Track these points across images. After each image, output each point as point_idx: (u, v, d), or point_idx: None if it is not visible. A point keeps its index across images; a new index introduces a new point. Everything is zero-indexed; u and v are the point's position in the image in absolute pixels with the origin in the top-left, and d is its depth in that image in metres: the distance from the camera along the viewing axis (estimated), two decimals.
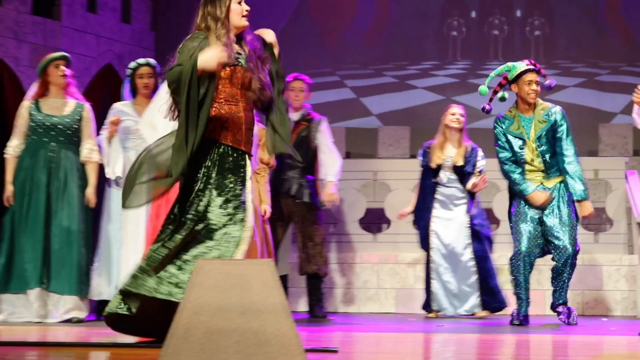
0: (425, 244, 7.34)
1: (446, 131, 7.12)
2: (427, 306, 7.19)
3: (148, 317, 4.40)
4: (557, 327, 6.12)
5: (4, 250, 6.43)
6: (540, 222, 6.25)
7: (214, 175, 4.37)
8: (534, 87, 6.22)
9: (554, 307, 6.27)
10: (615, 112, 9.73)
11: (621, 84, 9.28)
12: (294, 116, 7.17)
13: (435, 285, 7.15)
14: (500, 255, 8.02)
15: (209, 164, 4.36)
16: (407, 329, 6.09)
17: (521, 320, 6.18)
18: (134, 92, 6.69)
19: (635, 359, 4.21)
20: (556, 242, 6.20)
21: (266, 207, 6.63)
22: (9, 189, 6.40)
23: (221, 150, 4.33)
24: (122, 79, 8.11)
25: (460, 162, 7.19)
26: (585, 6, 10.60)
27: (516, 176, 6.29)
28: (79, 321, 6.22)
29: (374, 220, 9.16)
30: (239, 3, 4.51)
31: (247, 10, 4.59)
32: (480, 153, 7.30)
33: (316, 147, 7.24)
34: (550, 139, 6.23)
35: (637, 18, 10.59)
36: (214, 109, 4.38)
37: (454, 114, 7.17)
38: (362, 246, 8.65)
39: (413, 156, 8.81)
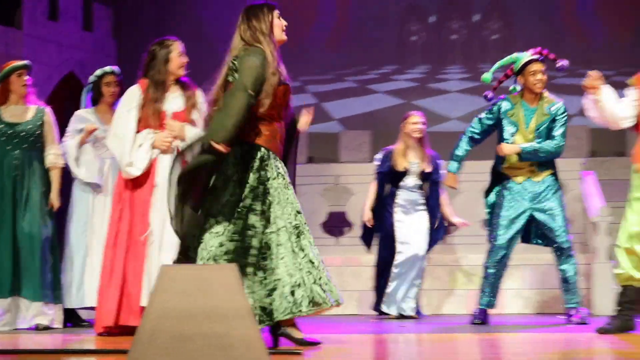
0: (386, 246, 7.38)
1: (407, 140, 7.12)
2: (377, 307, 7.28)
3: None
4: (517, 327, 6.11)
5: None
6: (531, 216, 6.26)
7: (273, 181, 4.53)
8: (539, 76, 6.19)
9: (566, 310, 6.28)
10: (571, 114, 9.59)
11: (577, 87, 8.84)
12: None
13: (392, 287, 7.24)
14: (460, 257, 8.19)
15: (268, 171, 4.50)
16: (370, 331, 6.11)
17: (482, 319, 6.17)
18: (96, 100, 6.71)
19: (593, 354, 4.26)
20: (552, 236, 6.22)
21: None
22: None
23: (276, 160, 4.52)
24: (84, 87, 8.00)
25: (428, 169, 7.27)
26: (541, 10, 10.82)
27: (459, 152, 6.35)
28: (45, 328, 6.20)
29: (337, 224, 9.24)
30: (279, 18, 4.60)
31: (285, 25, 4.65)
32: (440, 162, 7.44)
33: None
34: (548, 132, 6.25)
35: (592, 21, 10.90)
36: (268, 122, 4.49)
37: (416, 123, 7.20)
38: (325, 249, 8.05)
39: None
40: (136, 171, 5.68)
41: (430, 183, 7.36)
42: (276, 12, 4.64)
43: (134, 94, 5.66)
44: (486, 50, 9.59)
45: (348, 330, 6.12)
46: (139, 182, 5.76)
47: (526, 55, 6.22)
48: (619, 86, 5.72)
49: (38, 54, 9.07)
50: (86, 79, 7.58)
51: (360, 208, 8.07)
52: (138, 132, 5.68)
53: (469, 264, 8.29)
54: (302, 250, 4.52)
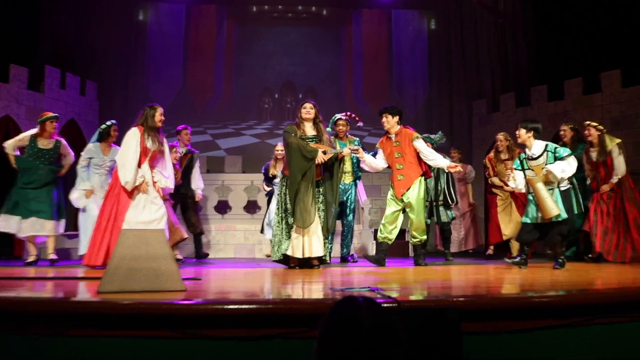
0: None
1: (274, 159, 8.09)
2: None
3: None
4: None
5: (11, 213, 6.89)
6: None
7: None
8: (341, 127, 7.16)
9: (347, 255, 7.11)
10: None
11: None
12: (184, 150, 8.07)
13: (266, 237, 8.07)
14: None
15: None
16: (242, 266, 6.64)
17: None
18: (101, 139, 7.13)
19: (367, 274, 4.69)
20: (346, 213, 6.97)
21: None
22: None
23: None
24: (80, 129, 9.94)
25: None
26: (335, 93, 12.62)
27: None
28: (57, 260, 6.94)
29: (223, 207, 10.26)
30: (304, 108, 5.97)
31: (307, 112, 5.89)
32: None
33: (193, 168, 8.09)
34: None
35: (362, 101, 12.39)
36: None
37: (278, 150, 8.11)
38: (217, 221, 9.82)
39: (244, 171, 10.45)
40: (130, 186, 6.00)
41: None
42: (303, 108, 5.90)
43: (135, 133, 6.03)
44: None
45: (228, 266, 6.64)
46: (120, 190, 6.03)
47: (337, 116, 7.31)
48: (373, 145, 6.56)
49: (53, 108, 9.69)
50: (83, 123, 9.63)
51: (235, 199, 9.58)
52: (140, 159, 5.93)
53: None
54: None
